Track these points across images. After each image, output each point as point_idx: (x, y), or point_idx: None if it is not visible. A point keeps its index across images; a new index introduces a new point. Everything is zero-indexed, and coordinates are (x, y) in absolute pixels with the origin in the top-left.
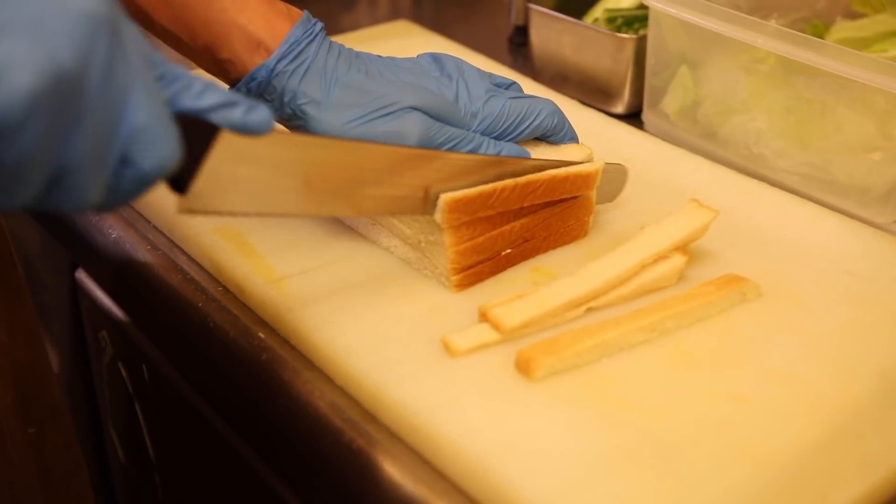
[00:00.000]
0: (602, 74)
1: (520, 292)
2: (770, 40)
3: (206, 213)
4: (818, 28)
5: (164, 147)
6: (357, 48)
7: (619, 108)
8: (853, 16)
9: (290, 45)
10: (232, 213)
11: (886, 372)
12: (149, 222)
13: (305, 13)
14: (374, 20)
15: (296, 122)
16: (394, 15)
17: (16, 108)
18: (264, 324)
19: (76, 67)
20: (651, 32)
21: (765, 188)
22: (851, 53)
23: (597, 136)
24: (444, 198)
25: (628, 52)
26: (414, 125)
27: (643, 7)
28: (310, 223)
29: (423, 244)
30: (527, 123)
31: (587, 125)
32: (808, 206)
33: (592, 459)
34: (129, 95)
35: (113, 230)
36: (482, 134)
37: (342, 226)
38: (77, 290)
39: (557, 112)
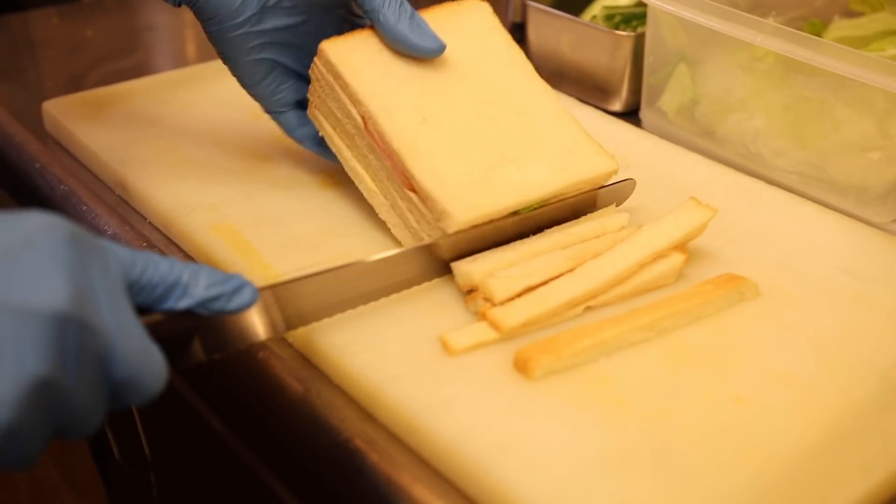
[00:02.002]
0: (600, 72)
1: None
2: (769, 38)
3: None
4: (816, 26)
5: (151, 384)
6: None
7: (617, 106)
8: (851, 14)
9: None
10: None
11: (886, 372)
12: (145, 219)
13: None
14: None
15: None
16: None
17: (3, 419)
18: None
19: (50, 370)
20: (649, 30)
21: (763, 187)
22: (850, 52)
23: (594, 134)
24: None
25: (626, 49)
26: None
27: (641, 4)
28: (307, 221)
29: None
30: None
31: (585, 123)
32: (807, 206)
33: (590, 459)
34: (110, 359)
35: (109, 227)
36: None
37: (340, 224)
38: None
39: None
